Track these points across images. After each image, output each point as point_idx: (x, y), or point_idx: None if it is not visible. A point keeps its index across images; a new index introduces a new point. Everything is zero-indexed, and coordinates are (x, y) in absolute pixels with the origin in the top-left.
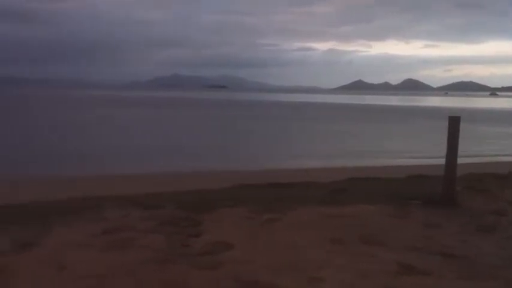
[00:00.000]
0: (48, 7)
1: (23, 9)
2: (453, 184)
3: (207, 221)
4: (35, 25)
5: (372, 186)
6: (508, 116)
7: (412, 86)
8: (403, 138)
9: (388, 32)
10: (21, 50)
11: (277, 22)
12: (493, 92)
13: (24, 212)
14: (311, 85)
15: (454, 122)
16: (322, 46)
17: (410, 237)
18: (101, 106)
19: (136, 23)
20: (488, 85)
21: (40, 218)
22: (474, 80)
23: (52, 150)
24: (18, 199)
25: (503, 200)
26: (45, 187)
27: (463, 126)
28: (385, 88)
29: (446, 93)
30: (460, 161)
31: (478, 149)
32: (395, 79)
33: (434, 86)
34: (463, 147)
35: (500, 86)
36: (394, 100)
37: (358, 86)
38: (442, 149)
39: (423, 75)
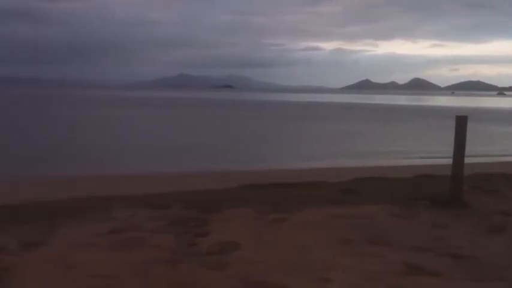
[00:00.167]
0: (56, 7)
1: (30, 9)
2: (460, 184)
3: (215, 221)
4: (43, 25)
5: (379, 186)
6: None
7: (419, 86)
8: (410, 138)
9: (395, 32)
10: (28, 50)
11: (283, 22)
12: (501, 91)
13: (31, 212)
14: (317, 85)
15: (461, 121)
16: (328, 46)
17: (417, 237)
18: (107, 106)
19: (144, 23)
20: (496, 84)
21: (47, 217)
22: (481, 80)
23: (59, 151)
24: (25, 199)
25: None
26: (52, 187)
27: (470, 125)
28: (392, 88)
29: (453, 92)
30: (467, 160)
31: (486, 149)
32: (402, 79)
33: (442, 85)
34: (470, 146)
35: (507, 86)
36: (401, 100)
37: (365, 86)
38: (449, 148)
39: (430, 75)
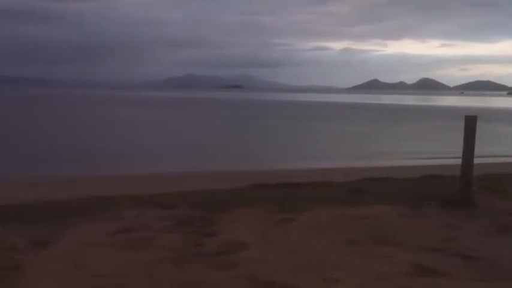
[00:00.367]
0: (65, 8)
1: (40, 10)
2: (469, 184)
3: (222, 221)
4: (52, 26)
5: (388, 186)
6: None
7: (428, 86)
8: (418, 138)
9: (404, 31)
10: (37, 50)
11: (291, 22)
12: (511, 91)
13: (40, 211)
14: (326, 85)
15: (470, 121)
16: (337, 45)
17: (426, 237)
18: (115, 106)
19: (152, 23)
20: (506, 84)
21: (56, 217)
22: (491, 80)
23: (66, 151)
24: (35, 199)
25: None
26: (61, 187)
27: (479, 125)
28: (401, 87)
29: (462, 92)
30: (476, 160)
31: (495, 149)
32: (411, 78)
33: (451, 85)
34: (479, 147)
35: None
36: (409, 100)
37: (374, 86)
38: (458, 149)
39: (439, 75)
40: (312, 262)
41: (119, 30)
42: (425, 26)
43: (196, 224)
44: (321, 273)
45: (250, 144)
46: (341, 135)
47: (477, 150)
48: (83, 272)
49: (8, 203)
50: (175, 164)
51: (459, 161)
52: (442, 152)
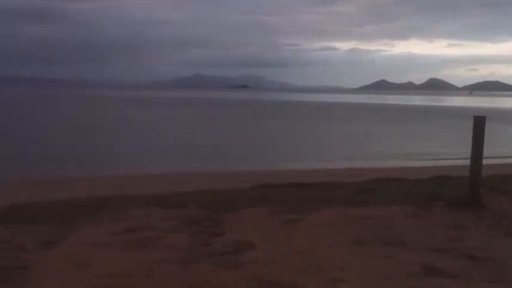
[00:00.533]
0: (71, 7)
1: (46, 9)
2: (478, 185)
3: (229, 221)
4: (57, 25)
5: (396, 187)
6: None
7: (436, 86)
8: (426, 139)
9: (411, 31)
10: (44, 50)
11: (299, 22)
12: None
13: (47, 211)
14: (334, 85)
15: (479, 121)
16: (344, 46)
17: (434, 238)
18: (122, 106)
19: (159, 24)
20: None
21: (63, 217)
22: (500, 80)
23: (74, 150)
24: (42, 198)
25: None
26: (68, 187)
27: (488, 126)
28: (409, 88)
29: (471, 92)
30: (484, 161)
31: (504, 150)
32: (418, 79)
33: (459, 85)
34: (488, 147)
35: None
36: (418, 100)
37: (381, 86)
38: (467, 150)
39: (447, 75)
40: (318, 262)
41: (125, 30)
42: (432, 26)
43: (203, 224)
44: (328, 274)
45: (257, 144)
46: (349, 135)
47: (486, 151)
48: (90, 271)
49: (15, 203)
50: (182, 164)
51: (468, 162)
52: (451, 152)
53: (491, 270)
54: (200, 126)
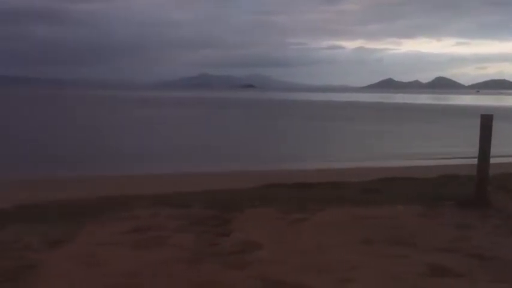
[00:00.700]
0: (78, 8)
1: (54, 10)
2: (485, 184)
3: (236, 221)
4: (65, 26)
5: (403, 186)
6: None
7: (443, 84)
8: (434, 138)
9: (419, 30)
10: (52, 50)
11: (305, 21)
12: None
13: (56, 211)
14: (340, 84)
15: (486, 120)
16: (351, 44)
17: (441, 238)
18: (129, 106)
19: (165, 24)
20: None
21: (71, 216)
22: (507, 78)
23: (81, 151)
24: (50, 198)
25: None
26: (75, 186)
27: (495, 124)
28: (416, 86)
29: (478, 91)
30: (492, 160)
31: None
32: (426, 77)
33: (466, 84)
34: (495, 146)
35: None
36: (425, 99)
37: (388, 85)
38: (474, 148)
39: (454, 73)
40: (325, 262)
41: (132, 31)
42: (440, 24)
43: (209, 224)
44: (335, 274)
45: (263, 144)
46: (356, 134)
47: (493, 149)
48: (97, 271)
49: (23, 202)
50: (189, 164)
51: (475, 161)
52: (459, 151)
53: (498, 270)
54: (206, 126)
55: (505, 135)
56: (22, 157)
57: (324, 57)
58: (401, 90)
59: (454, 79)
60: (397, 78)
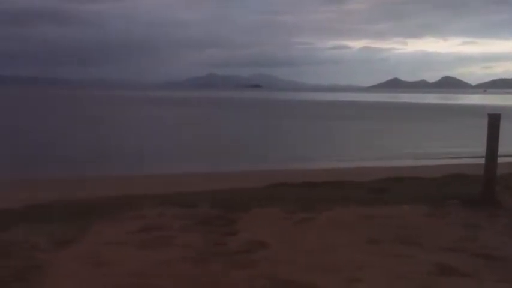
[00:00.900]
0: (85, 8)
1: (61, 10)
2: (493, 184)
3: (242, 220)
4: (74, 26)
5: (410, 185)
6: None
7: (450, 84)
8: (442, 137)
9: (425, 29)
10: (61, 51)
11: (311, 21)
12: None
13: (62, 211)
14: (346, 83)
15: (494, 119)
16: (356, 44)
17: (448, 237)
18: (136, 106)
19: (173, 24)
20: None
21: (78, 216)
22: None
23: (88, 150)
24: (56, 198)
25: None
26: (83, 186)
27: (503, 124)
28: (422, 86)
29: (485, 90)
30: (500, 160)
31: None
32: (432, 77)
33: (473, 83)
34: (503, 145)
35: None
36: (431, 98)
37: (395, 84)
38: (482, 148)
39: (461, 73)
40: (332, 262)
41: (140, 31)
42: (446, 24)
43: (216, 224)
44: (341, 273)
45: (270, 144)
46: (362, 134)
47: (501, 149)
48: (104, 270)
49: (30, 202)
50: (195, 164)
51: (483, 160)
52: (466, 151)
53: (505, 270)
54: (213, 126)
55: None
56: (30, 157)
57: (330, 57)
58: (407, 89)
59: (461, 78)
60: (404, 77)
